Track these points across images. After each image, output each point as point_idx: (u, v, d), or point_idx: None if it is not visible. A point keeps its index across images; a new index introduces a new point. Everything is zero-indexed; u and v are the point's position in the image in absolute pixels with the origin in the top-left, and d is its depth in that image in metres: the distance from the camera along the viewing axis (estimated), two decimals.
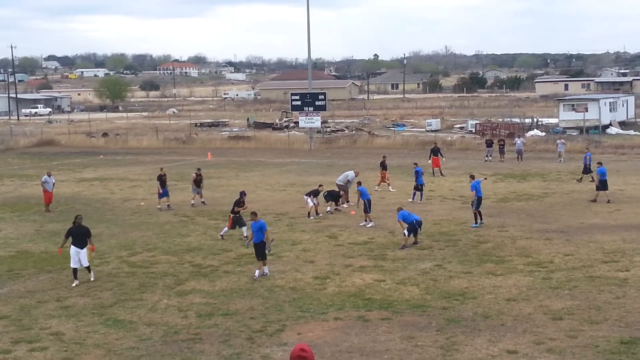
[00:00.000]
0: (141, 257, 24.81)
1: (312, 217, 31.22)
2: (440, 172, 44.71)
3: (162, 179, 34.15)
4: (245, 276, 21.89)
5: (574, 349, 15.65)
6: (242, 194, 28.65)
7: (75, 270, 21.44)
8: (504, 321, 17.52)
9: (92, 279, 21.60)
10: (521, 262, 23.08)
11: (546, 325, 17.20)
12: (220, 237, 27.33)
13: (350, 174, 34.72)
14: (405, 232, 25.31)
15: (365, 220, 29.57)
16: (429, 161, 45.28)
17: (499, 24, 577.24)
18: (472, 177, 30.64)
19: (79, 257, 21.45)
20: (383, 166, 39.66)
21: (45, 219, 32.39)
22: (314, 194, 31.87)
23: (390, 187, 38.98)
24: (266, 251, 21.76)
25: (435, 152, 45.67)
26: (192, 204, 34.73)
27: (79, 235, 21.62)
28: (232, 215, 27.30)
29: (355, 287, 20.61)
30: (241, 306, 19.07)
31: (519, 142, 52.91)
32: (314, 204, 31.64)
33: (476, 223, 28.75)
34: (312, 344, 15.85)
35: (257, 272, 21.68)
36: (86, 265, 21.60)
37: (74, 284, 21.19)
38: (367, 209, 29.56)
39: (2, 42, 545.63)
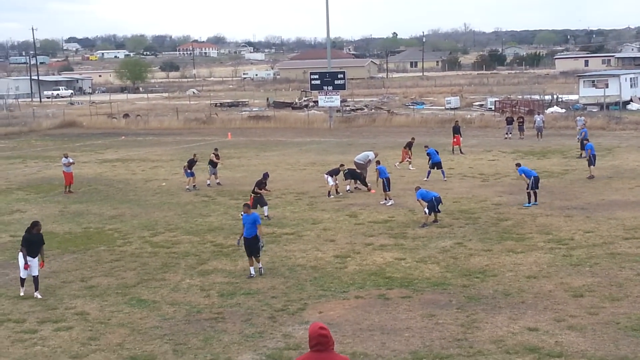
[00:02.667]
0: (163, 237, 25.04)
1: (332, 196, 31.32)
2: (460, 150, 44.62)
3: (191, 162, 34.49)
4: (267, 255, 22.01)
5: (595, 325, 15.70)
6: (266, 175, 28.94)
7: (23, 280, 19.15)
8: (524, 299, 17.58)
9: (37, 296, 18.92)
10: (541, 239, 23.09)
11: (567, 302, 17.24)
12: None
13: (370, 154, 34.73)
14: (426, 210, 25.36)
15: (385, 199, 29.64)
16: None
17: (518, 1, 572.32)
18: (518, 164, 29.87)
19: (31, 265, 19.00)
20: (409, 146, 39.70)
21: (69, 200, 32.70)
22: (335, 172, 31.94)
23: (410, 165, 38.98)
24: (260, 245, 20.16)
25: (456, 130, 45.54)
26: (208, 184, 34.94)
27: (35, 244, 19.08)
28: (253, 195, 27.49)
29: (375, 266, 20.72)
30: (262, 285, 19.24)
31: (538, 119, 52.58)
32: (335, 182, 31.73)
33: (529, 202, 28.35)
34: (333, 322, 16.03)
35: (252, 270, 20.17)
36: (35, 274, 19.01)
37: (21, 293, 19.09)
38: (386, 187, 29.62)
39: (24, 24, 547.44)
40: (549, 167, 38.09)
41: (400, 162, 39.41)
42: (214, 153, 35.62)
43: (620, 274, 19.30)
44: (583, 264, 20.30)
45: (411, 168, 38.57)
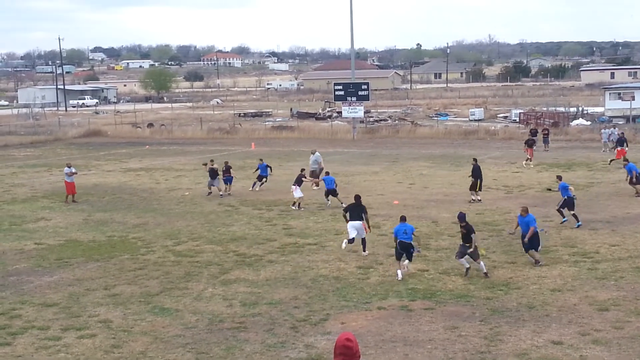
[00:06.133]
0: (186, 247, 25.11)
1: (294, 207, 31.29)
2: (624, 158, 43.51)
3: (227, 168, 35.75)
4: (289, 265, 22.04)
5: (620, 340, 15.55)
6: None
7: (351, 240, 23.12)
8: (548, 312, 17.45)
9: (365, 253, 23.06)
10: (566, 252, 22.93)
11: (592, 316, 17.10)
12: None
13: (318, 155, 38.36)
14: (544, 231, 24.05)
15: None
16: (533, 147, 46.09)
17: (543, 12, 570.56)
18: (559, 177, 29.05)
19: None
20: (529, 143, 44.02)
21: (93, 208, 32.88)
22: (300, 182, 31.76)
23: (528, 162, 42.97)
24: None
25: (621, 142, 44.58)
26: (221, 194, 34.79)
27: (359, 211, 23.43)
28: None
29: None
30: (285, 295, 19.22)
31: (616, 132, 50.41)
32: (301, 194, 31.62)
33: (579, 222, 26.77)
34: (355, 333, 15.91)
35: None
36: (363, 236, 23.28)
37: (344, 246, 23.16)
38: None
39: (50, 34, 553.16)
40: (574, 179, 37.76)
41: (530, 160, 42.96)
42: (224, 165, 36.01)
43: None
44: (608, 277, 20.12)
45: (530, 165, 42.62)
